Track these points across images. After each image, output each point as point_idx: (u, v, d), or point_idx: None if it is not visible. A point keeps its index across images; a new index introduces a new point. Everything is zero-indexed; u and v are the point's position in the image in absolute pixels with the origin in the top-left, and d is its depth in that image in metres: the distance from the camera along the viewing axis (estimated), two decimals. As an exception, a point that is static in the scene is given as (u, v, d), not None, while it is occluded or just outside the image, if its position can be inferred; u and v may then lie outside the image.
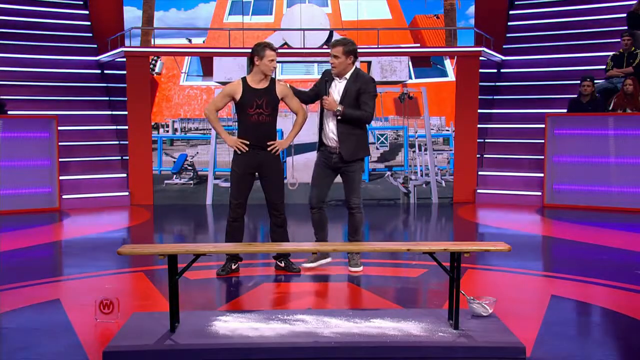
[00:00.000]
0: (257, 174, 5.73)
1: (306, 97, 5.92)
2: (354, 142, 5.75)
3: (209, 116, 5.77)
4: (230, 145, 5.70)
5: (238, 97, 5.55)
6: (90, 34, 12.54)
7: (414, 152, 10.50)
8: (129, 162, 10.33)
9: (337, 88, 5.75)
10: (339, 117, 5.66)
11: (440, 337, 3.99)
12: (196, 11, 12.28)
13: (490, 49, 11.15)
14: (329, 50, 5.84)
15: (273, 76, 5.70)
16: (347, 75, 5.72)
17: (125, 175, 10.42)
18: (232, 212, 5.70)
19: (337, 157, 5.78)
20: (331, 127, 5.75)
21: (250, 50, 5.68)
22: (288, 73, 10.54)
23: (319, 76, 6.00)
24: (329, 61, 5.74)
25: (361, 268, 5.96)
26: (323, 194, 5.90)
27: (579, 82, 10.00)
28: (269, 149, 5.61)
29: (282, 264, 5.87)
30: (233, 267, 5.77)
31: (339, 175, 5.92)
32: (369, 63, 10.33)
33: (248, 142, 5.59)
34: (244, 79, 5.63)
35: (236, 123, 5.72)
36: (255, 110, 5.54)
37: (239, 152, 5.63)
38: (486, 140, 11.09)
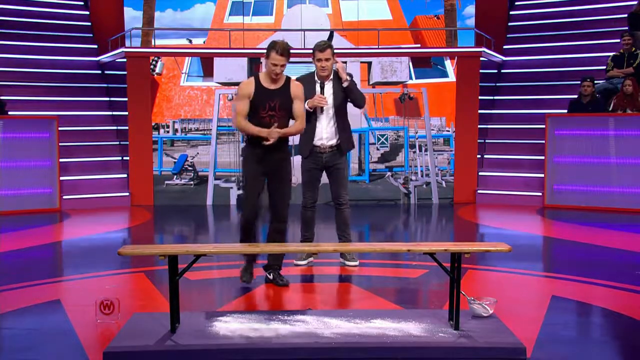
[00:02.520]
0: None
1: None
2: (348, 135, 5.99)
3: (243, 127, 5.17)
4: (267, 135, 5.07)
5: (251, 97, 5.12)
6: (91, 35, 12.55)
7: (414, 152, 10.50)
8: (129, 162, 10.33)
9: (326, 90, 5.90)
10: (345, 86, 5.81)
11: (440, 337, 3.99)
12: (192, 12, 12.30)
13: (490, 49, 11.15)
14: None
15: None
16: (331, 76, 5.89)
17: (125, 175, 10.42)
18: (245, 215, 5.34)
19: (328, 155, 5.92)
20: (325, 126, 5.88)
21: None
22: (288, 74, 10.53)
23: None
24: (320, 65, 5.77)
25: (357, 262, 6.07)
26: (316, 195, 6.09)
27: (579, 82, 10.01)
28: (265, 142, 5.07)
29: (271, 277, 5.46)
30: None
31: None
32: (370, 63, 10.33)
33: (279, 130, 5.09)
34: (256, 77, 5.19)
35: None
36: (268, 112, 5.11)
37: (264, 143, 5.08)
38: (487, 141, 11.09)
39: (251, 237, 5.42)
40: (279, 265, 5.47)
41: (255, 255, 5.47)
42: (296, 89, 5.23)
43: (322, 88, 5.87)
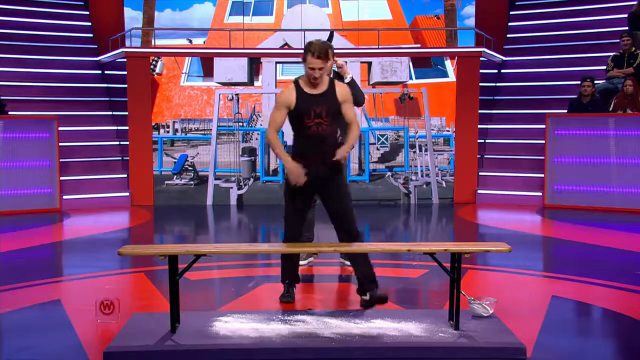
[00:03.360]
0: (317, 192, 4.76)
1: None
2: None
3: (271, 141, 4.64)
4: (289, 172, 4.52)
5: (292, 105, 4.56)
6: (91, 35, 12.54)
7: (414, 152, 10.50)
8: (129, 162, 10.34)
9: None
10: (347, 81, 5.69)
11: (440, 337, 3.99)
12: (191, 12, 12.30)
13: (490, 49, 11.14)
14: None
15: (332, 75, 4.88)
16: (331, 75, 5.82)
17: (125, 175, 10.42)
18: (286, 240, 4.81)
19: None
20: None
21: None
22: (288, 74, 10.54)
23: None
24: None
25: None
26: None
27: (579, 82, 10.00)
28: (334, 159, 4.49)
29: (367, 297, 4.69)
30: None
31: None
32: (370, 63, 10.33)
33: (306, 177, 4.52)
34: (296, 83, 4.65)
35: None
36: (314, 120, 4.53)
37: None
38: (487, 141, 11.09)
39: (293, 263, 5.00)
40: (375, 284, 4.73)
41: (296, 276, 5.03)
42: (342, 90, 4.65)
43: None
